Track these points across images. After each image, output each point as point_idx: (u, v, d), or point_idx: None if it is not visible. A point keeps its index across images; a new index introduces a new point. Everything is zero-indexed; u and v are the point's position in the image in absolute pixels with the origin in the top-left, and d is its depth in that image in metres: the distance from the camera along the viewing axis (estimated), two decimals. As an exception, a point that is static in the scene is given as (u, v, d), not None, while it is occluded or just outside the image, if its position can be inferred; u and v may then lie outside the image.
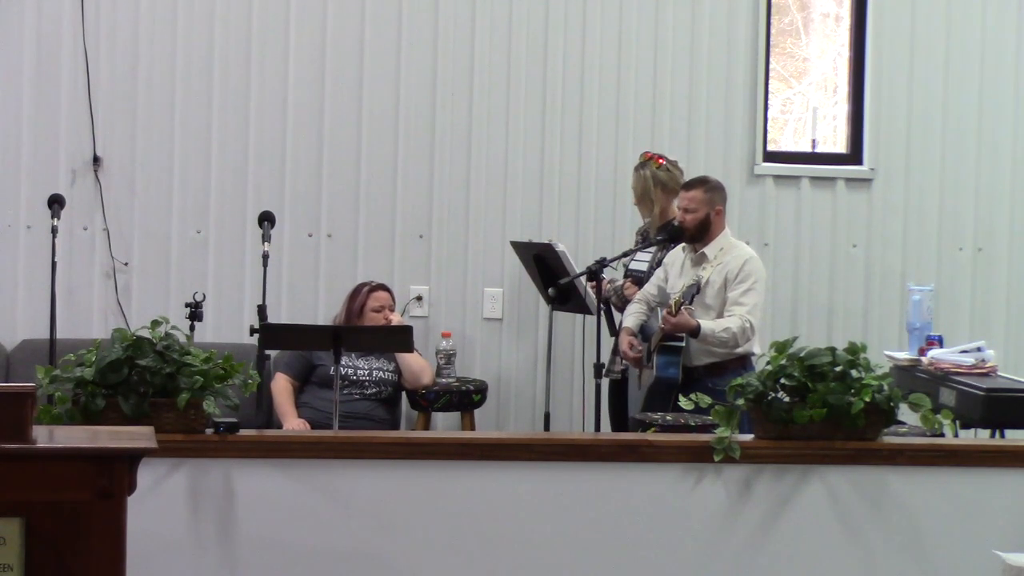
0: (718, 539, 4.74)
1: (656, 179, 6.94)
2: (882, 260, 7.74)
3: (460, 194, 7.51)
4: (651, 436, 5.09)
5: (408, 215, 7.49)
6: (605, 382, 6.69)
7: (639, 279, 6.87)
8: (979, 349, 6.23)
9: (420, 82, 7.48)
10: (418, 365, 7.02)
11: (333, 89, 7.44)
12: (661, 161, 6.98)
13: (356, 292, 7.07)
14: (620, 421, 6.88)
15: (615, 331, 6.87)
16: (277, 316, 7.11)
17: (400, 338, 6.33)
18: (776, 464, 4.75)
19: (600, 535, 4.70)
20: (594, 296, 6.54)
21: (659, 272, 6.69)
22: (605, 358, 6.60)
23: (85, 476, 3.67)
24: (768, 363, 4.80)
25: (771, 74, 7.85)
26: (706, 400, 4.87)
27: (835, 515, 4.75)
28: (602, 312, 6.58)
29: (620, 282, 6.95)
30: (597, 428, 6.52)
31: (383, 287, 7.10)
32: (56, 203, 6.90)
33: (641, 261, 6.94)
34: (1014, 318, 7.79)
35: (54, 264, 6.73)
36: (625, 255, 6.87)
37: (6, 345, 7.19)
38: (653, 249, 6.86)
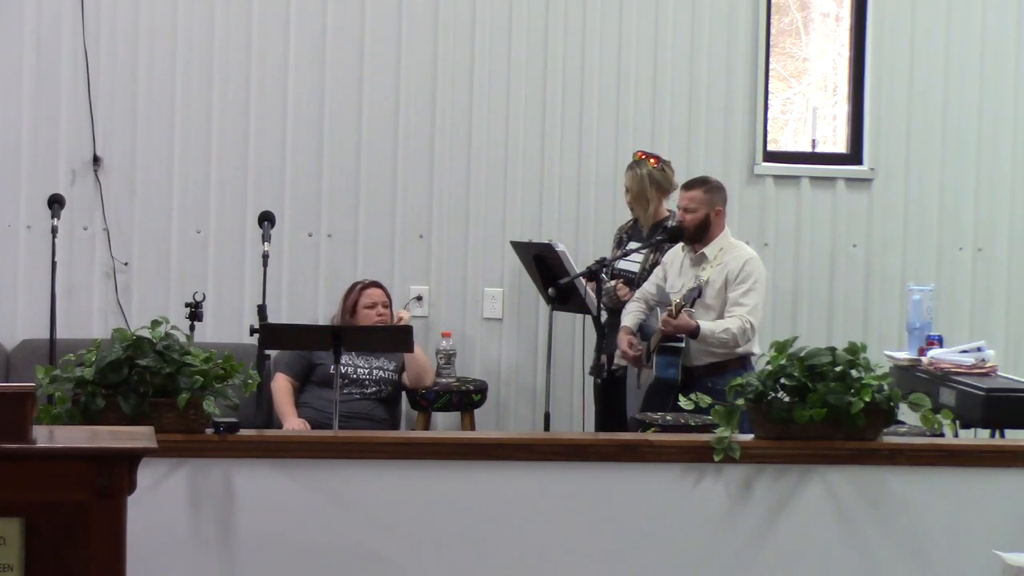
0: (718, 539, 4.74)
1: (651, 178, 6.97)
2: (882, 260, 7.73)
3: (460, 194, 7.51)
4: (651, 436, 5.08)
5: (408, 215, 7.48)
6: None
7: (630, 280, 6.87)
8: (979, 349, 6.24)
9: (420, 82, 7.48)
10: (423, 365, 7.01)
11: (333, 89, 7.44)
12: (655, 161, 7.01)
13: (349, 291, 7.08)
14: (606, 422, 6.83)
15: (603, 332, 6.84)
16: (277, 316, 7.11)
17: (400, 338, 6.33)
18: (776, 464, 4.75)
19: (600, 535, 4.70)
20: (594, 296, 6.54)
21: (658, 271, 6.69)
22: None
23: (85, 476, 3.67)
24: (768, 363, 4.80)
25: (771, 74, 7.85)
26: (706, 400, 4.87)
27: (835, 515, 4.76)
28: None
29: (611, 283, 6.95)
30: (598, 428, 6.51)
31: (376, 284, 7.09)
32: (56, 203, 6.91)
33: (632, 262, 6.94)
34: (1014, 318, 7.79)
35: (54, 264, 6.73)
36: (625, 255, 6.87)
37: (6, 345, 7.19)
38: (646, 250, 6.86)
